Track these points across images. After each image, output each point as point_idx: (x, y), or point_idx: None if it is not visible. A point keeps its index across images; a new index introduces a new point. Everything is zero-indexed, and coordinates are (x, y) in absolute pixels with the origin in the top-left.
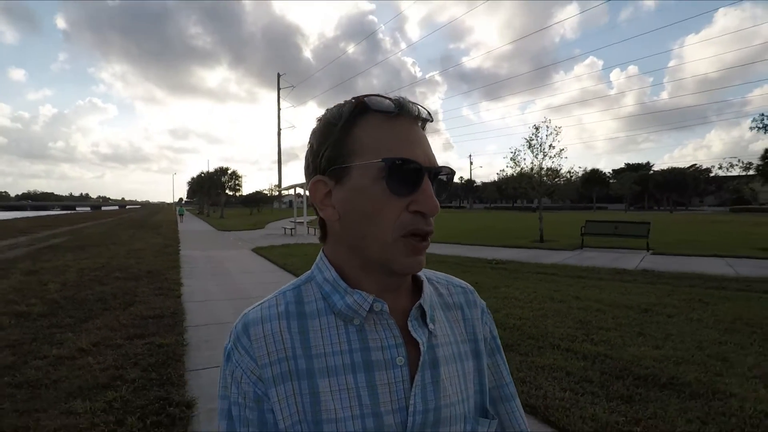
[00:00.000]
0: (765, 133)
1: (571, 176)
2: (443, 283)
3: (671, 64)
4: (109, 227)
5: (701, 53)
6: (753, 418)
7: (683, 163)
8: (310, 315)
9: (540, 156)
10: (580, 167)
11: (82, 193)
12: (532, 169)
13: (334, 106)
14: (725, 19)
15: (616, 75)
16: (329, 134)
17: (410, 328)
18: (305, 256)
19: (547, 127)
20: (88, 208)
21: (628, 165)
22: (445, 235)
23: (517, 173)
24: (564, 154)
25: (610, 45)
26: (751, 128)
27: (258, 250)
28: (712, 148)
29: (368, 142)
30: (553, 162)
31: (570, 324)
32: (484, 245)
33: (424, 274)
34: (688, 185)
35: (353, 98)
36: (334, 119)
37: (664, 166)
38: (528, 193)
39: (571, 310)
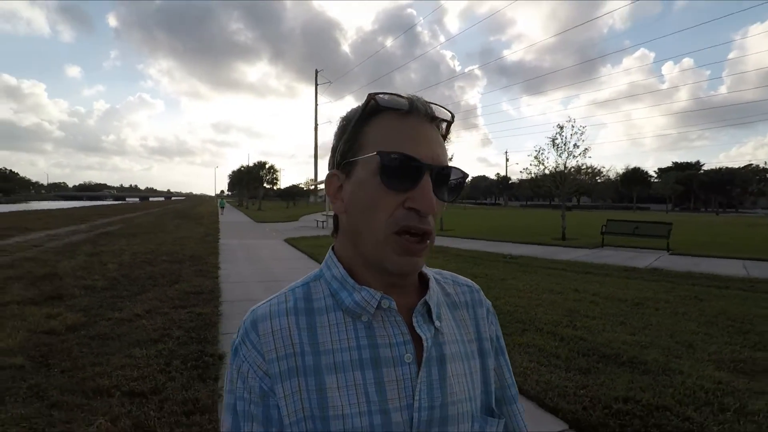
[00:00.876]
0: None
1: (592, 175)
2: (450, 282)
3: (731, 56)
4: (156, 217)
5: (766, 44)
6: (688, 390)
7: (741, 162)
8: (319, 311)
9: (564, 155)
10: (623, 167)
11: (131, 185)
12: (556, 168)
13: (354, 107)
14: None
15: (668, 68)
16: (345, 131)
17: (415, 325)
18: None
19: (572, 126)
20: (137, 199)
21: (675, 164)
22: (469, 231)
23: (541, 172)
24: (588, 154)
25: (663, 36)
26: None
27: (289, 240)
28: None
29: (374, 138)
30: (577, 161)
31: (559, 312)
32: (505, 241)
33: (430, 272)
34: (736, 186)
35: (367, 95)
36: (350, 116)
37: (720, 165)
38: (552, 191)
39: (566, 301)
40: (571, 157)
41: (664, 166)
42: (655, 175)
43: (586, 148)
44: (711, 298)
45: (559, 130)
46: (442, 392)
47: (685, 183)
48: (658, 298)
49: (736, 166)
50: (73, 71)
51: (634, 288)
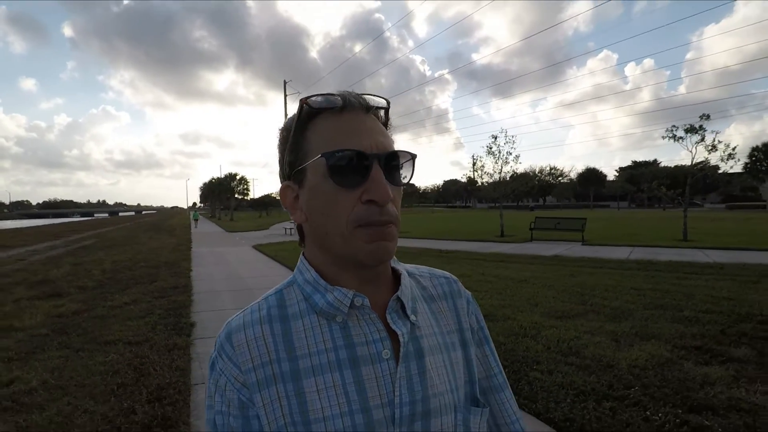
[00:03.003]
0: (675, 141)
1: (554, 176)
2: (426, 276)
3: (689, 56)
4: (129, 231)
5: (721, 44)
6: (509, 328)
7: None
8: (293, 317)
9: (500, 162)
10: (590, 166)
11: (99, 200)
12: (493, 174)
13: (292, 114)
14: (746, 8)
15: (631, 69)
16: (287, 141)
17: (389, 321)
18: (294, 250)
19: (505, 136)
20: (106, 215)
21: (634, 162)
22: (423, 232)
23: (479, 177)
24: (519, 160)
25: (625, 39)
26: (663, 137)
27: (257, 247)
28: (731, 144)
29: (316, 141)
30: (510, 167)
31: None
32: (449, 240)
33: (404, 268)
34: (680, 183)
35: (299, 101)
36: (289, 125)
37: (683, 163)
38: (491, 194)
39: (467, 282)
40: (505, 163)
41: (630, 164)
42: (616, 175)
43: (517, 155)
44: (582, 275)
45: (493, 139)
46: (422, 386)
47: (635, 181)
48: (540, 277)
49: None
50: (28, 84)
51: (528, 271)
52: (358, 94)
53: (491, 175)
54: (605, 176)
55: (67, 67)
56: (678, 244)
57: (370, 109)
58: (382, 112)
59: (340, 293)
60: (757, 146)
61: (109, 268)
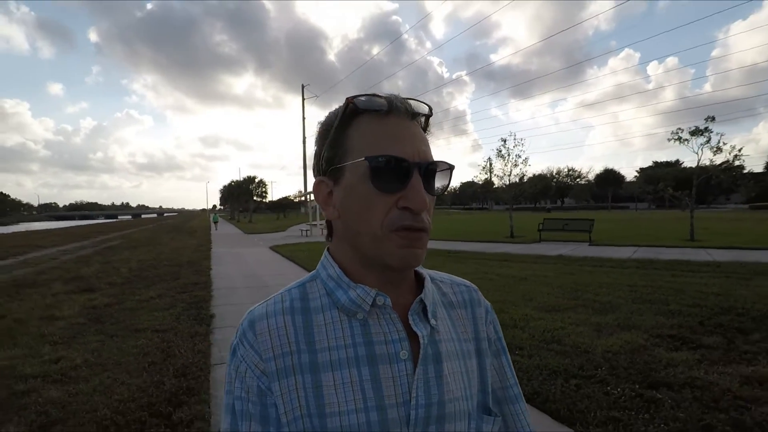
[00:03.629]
0: (680, 144)
1: (572, 177)
2: (447, 282)
3: (714, 53)
4: (152, 232)
5: (748, 41)
6: (505, 321)
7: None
8: (315, 310)
9: (509, 165)
10: (611, 167)
11: (123, 202)
12: (503, 176)
13: (334, 110)
14: None
15: (654, 68)
16: (327, 136)
17: (411, 322)
18: (309, 250)
19: (514, 139)
20: (129, 216)
21: (655, 163)
22: (437, 234)
23: (488, 179)
24: (528, 163)
25: (648, 38)
26: (668, 139)
27: (273, 247)
28: (760, 142)
29: (358, 142)
30: (519, 169)
31: None
32: (459, 240)
33: (427, 273)
34: (700, 184)
35: (346, 99)
36: (330, 121)
37: (705, 163)
38: (500, 196)
39: (470, 279)
40: (514, 166)
41: (648, 165)
42: (635, 176)
43: (526, 158)
44: (582, 273)
45: (503, 142)
46: (438, 390)
47: (652, 182)
48: (540, 275)
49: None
50: (56, 89)
51: (530, 270)
52: (403, 99)
53: (501, 178)
54: (623, 177)
55: (92, 72)
56: (684, 244)
57: (414, 116)
58: (423, 119)
59: (362, 291)
60: None
61: (136, 267)
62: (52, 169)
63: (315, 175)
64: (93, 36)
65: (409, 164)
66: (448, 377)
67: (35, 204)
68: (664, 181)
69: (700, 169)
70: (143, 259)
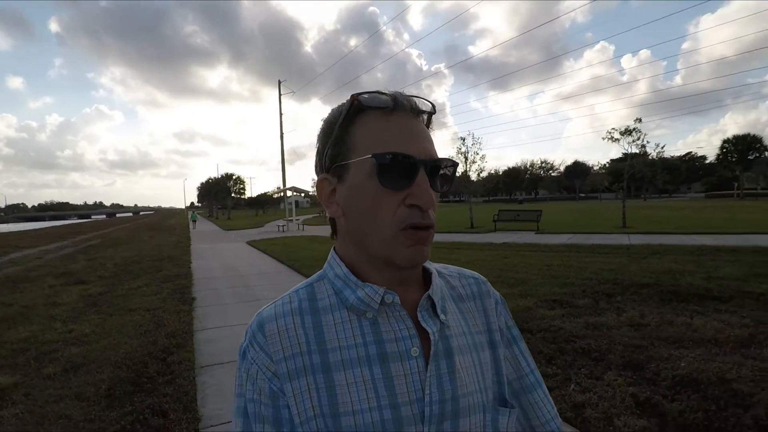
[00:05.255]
0: (612, 142)
1: (545, 169)
2: (455, 276)
3: (685, 46)
4: (130, 231)
5: (717, 35)
6: None
7: (698, 149)
8: (323, 310)
9: (468, 162)
10: (585, 159)
11: (96, 201)
12: (462, 172)
13: (337, 106)
14: None
15: (628, 61)
16: (330, 133)
17: (420, 319)
18: (284, 245)
19: (473, 138)
20: (104, 216)
21: (625, 154)
22: None
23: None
24: (485, 160)
25: (623, 32)
26: (603, 138)
27: (250, 242)
28: (727, 133)
29: (363, 139)
30: (477, 165)
31: None
32: None
33: (434, 267)
34: (631, 177)
35: (350, 97)
36: (334, 118)
37: (678, 153)
38: (462, 190)
39: None
40: (472, 163)
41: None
42: (597, 168)
43: (483, 155)
44: (515, 257)
45: (462, 141)
46: (452, 385)
47: (616, 174)
48: (479, 259)
49: (679, 155)
50: (16, 83)
51: (474, 255)
52: (408, 96)
53: (462, 173)
54: (590, 169)
55: (55, 65)
56: (614, 230)
57: (418, 113)
58: (426, 116)
59: (371, 290)
60: (727, 138)
61: (120, 262)
62: (17, 168)
63: (317, 173)
64: (54, 26)
65: (417, 161)
66: (461, 371)
67: (2, 205)
68: (608, 177)
69: (629, 165)
70: (126, 255)
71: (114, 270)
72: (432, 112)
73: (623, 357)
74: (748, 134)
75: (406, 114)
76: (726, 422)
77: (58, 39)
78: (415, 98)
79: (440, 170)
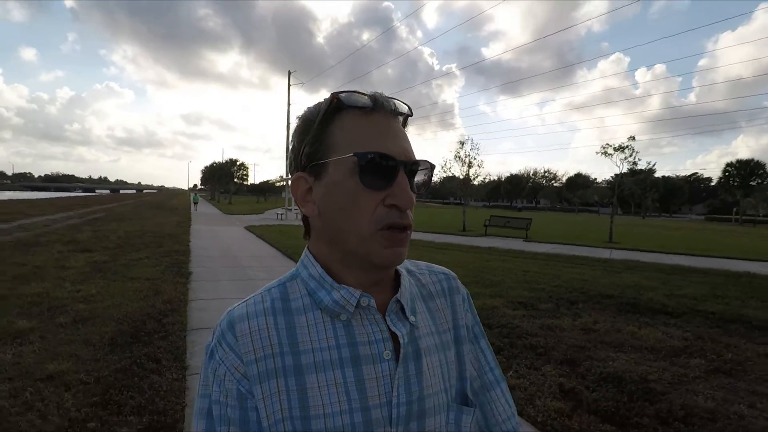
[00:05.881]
0: (606, 157)
1: (547, 179)
2: (425, 272)
3: (702, 63)
4: (133, 208)
5: (735, 54)
6: None
7: (702, 170)
8: (296, 311)
9: (465, 166)
10: (590, 172)
11: (100, 176)
12: (460, 177)
13: (312, 105)
14: (765, 16)
15: (642, 74)
16: (308, 131)
17: (389, 322)
18: (280, 232)
19: (471, 142)
20: (107, 191)
21: (631, 170)
22: None
23: (446, 178)
24: (482, 165)
25: (639, 45)
26: (597, 152)
27: (248, 227)
28: (738, 155)
29: (343, 138)
30: (475, 171)
31: None
32: (419, 231)
33: (404, 266)
34: (659, 192)
35: (329, 95)
36: (312, 116)
37: (686, 173)
38: (456, 193)
39: None
40: (469, 167)
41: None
42: (599, 182)
43: (481, 161)
44: (496, 261)
45: (460, 146)
46: (419, 386)
47: (614, 190)
48: (461, 261)
49: (684, 175)
50: (29, 54)
51: (457, 257)
52: (388, 97)
53: (458, 177)
54: (592, 182)
55: (68, 39)
56: (599, 244)
57: (397, 114)
58: (402, 118)
59: (347, 292)
60: (731, 162)
61: (123, 236)
62: (25, 138)
63: (292, 172)
64: (69, 1)
65: (397, 162)
66: (427, 372)
67: (9, 173)
68: (593, 191)
69: (619, 182)
70: (129, 230)
71: (117, 242)
72: (409, 115)
73: (564, 354)
74: (752, 159)
75: (386, 114)
76: (630, 411)
77: (72, 14)
78: (394, 100)
79: (418, 172)
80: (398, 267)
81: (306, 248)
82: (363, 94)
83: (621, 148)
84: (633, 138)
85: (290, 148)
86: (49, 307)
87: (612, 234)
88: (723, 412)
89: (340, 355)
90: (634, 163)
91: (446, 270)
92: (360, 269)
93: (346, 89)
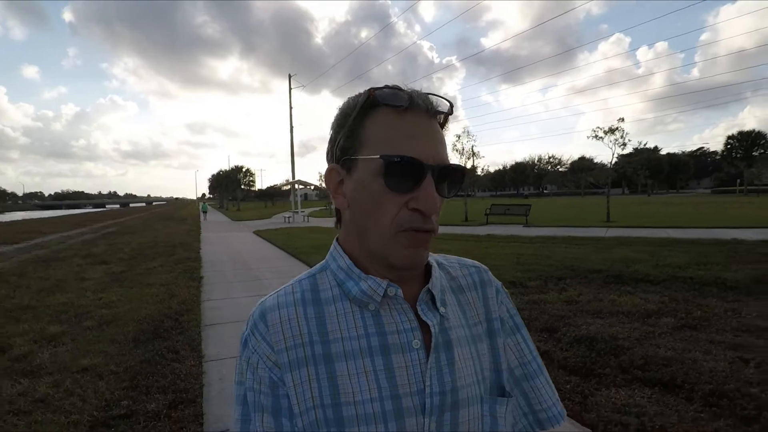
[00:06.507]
0: (596, 140)
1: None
2: (455, 266)
3: (703, 38)
4: (144, 220)
5: (736, 27)
6: None
7: (714, 144)
8: (326, 301)
9: (464, 158)
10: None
11: (110, 191)
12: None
13: (352, 97)
14: None
15: (643, 53)
16: (344, 124)
17: (420, 312)
18: (287, 234)
19: (468, 134)
20: (117, 206)
21: (635, 149)
22: None
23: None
24: (481, 155)
25: (639, 24)
26: (588, 137)
27: (256, 232)
28: (745, 127)
29: (374, 136)
30: (473, 161)
31: None
32: None
33: (434, 258)
34: (663, 170)
35: (367, 90)
36: (348, 110)
37: (693, 147)
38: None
39: None
40: (467, 159)
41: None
42: (604, 163)
43: (479, 151)
44: (492, 247)
45: (457, 138)
46: (452, 377)
47: (618, 170)
48: (459, 249)
49: (691, 150)
50: (31, 72)
51: (455, 245)
52: (425, 96)
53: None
54: (596, 164)
55: (68, 54)
56: (596, 224)
57: (434, 114)
58: (442, 117)
59: (374, 282)
60: (732, 134)
61: (137, 247)
62: (33, 157)
63: (328, 161)
64: (68, 15)
65: (424, 166)
66: (459, 363)
67: (20, 193)
68: (586, 172)
69: (623, 161)
70: (142, 242)
71: (132, 253)
72: (449, 113)
73: (546, 324)
74: (753, 130)
75: (421, 114)
76: (595, 365)
77: (71, 28)
78: (432, 96)
79: (448, 176)
80: (429, 259)
81: (335, 240)
82: (401, 90)
83: (612, 131)
84: (622, 120)
85: (329, 138)
86: (75, 314)
87: (609, 214)
88: (679, 359)
89: (369, 344)
90: (624, 144)
91: (477, 263)
92: (382, 267)
93: (385, 85)
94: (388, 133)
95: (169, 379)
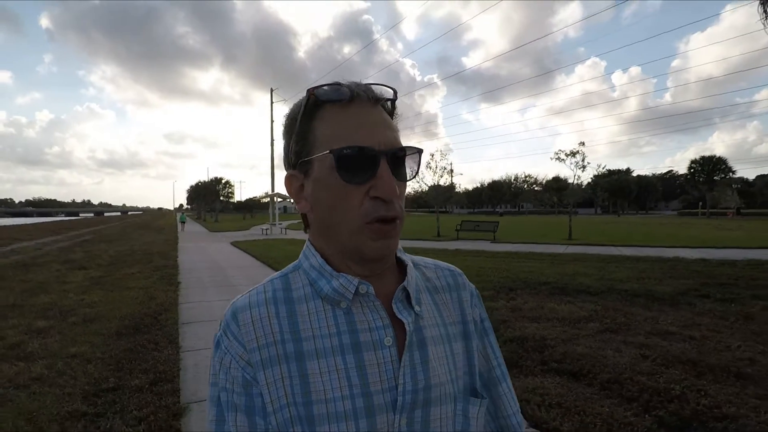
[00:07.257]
0: (558, 162)
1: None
2: (431, 268)
3: (675, 64)
4: (120, 229)
5: (707, 54)
6: None
7: (683, 167)
8: (298, 300)
9: (437, 176)
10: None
11: (84, 200)
12: (433, 185)
13: (297, 101)
14: (733, 16)
15: (618, 77)
16: (292, 129)
17: (395, 310)
18: (264, 245)
19: (441, 153)
20: (92, 214)
21: (609, 171)
22: None
23: (420, 188)
24: (453, 174)
25: (615, 49)
26: (551, 158)
27: (233, 243)
28: (715, 151)
29: (323, 134)
30: (445, 180)
31: None
32: None
33: (410, 259)
34: (631, 192)
35: (307, 91)
36: (294, 114)
37: (665, 170)
38: (431, 201)
39: None
40: (440, 177)
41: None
42: (573, 184)
43: (452, 170)
44: (457, 262)
45: (430, 157)
46: (425, 375)
47: (589, 190)
48: None
49: (660, 173)
50: (3, 77)
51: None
52: (366, 86)
53: (429, 186)
54: (569, 184)
55: (44, 61)
56: (558, 241)
57: (377, 101)
58: (389, 103)
59: (345, 280)
60: (695, 159)
61: (114, 255)
62: (3, 163)
63: (286, 169)
64: (44, 21)
65: (376, 153)
66: (433, 362)
67: None
68: (551, 192)
69: (594, 182)
70: (119, 250)
71: (110, 260)
72: (394, 99)
73: None
74: (714, 156)
75: (365, 104)
76: (521, 359)
77: (48, 34)
78: (374, 86)
79: (404, 159)
80: (404, 258)
81: (307, 239)
82: (340, 85)
83: (573, 154)
84: (583, 144)
85: (282, 146)
86: (60, 312)
87: (571, 232)
88: (592, 354)
89: (340, 342)
90: (583, 167)
91: (452, 266)
92: (353, 262)
93: (323, 83)
94: (335, 129)
95: (150, 363)
